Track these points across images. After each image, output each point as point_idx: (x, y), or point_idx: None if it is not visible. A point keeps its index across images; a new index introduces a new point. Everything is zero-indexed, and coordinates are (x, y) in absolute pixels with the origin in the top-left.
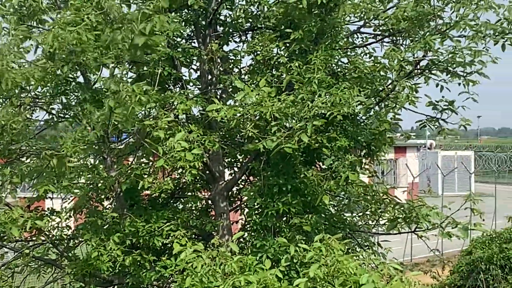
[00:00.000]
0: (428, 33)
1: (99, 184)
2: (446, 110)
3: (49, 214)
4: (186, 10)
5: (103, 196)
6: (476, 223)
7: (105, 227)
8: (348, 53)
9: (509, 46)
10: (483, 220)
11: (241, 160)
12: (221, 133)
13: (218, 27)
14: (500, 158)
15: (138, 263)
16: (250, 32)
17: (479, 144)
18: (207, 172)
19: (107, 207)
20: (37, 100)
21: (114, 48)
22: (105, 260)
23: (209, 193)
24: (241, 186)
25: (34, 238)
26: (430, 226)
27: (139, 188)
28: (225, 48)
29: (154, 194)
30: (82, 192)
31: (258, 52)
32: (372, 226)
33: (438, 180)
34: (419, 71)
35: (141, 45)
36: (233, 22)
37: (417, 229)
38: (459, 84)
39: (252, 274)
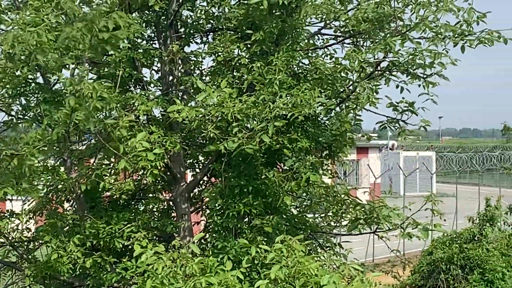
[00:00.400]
0: (388, 35)
1: (59, 186)
2: (406, 111)
3: (8, 216)
4: (146, 11)
5: (63, 198)
6: (436, 223)
7: (65, 229)
8: (309, 54)
9: (475, 49)
10: (444, 220)
11: (202, 161)
12: (182, 134)
13: (179, 28)
14: (461, 159)
15: (99, 265)
16: (211, 33)
17: (441, 145)
18: (168, 173)
19: (68, 209)
20: None
21: (74, 49)
22: (65, 262)
23: (170, 195)
24: (202, 187)
25: None
26: (391, 227)
27: (99, 189)
28: (186, 49)
29: (115, 196)
30: (42, 193)
31: (219, 53)
32: (334, 227)
33: (400, 180)
34: (379, 72)
35: (105, 39)
36: (194, 23)
37: (378, 230)
38: (419, 85)
39: (213, 276)
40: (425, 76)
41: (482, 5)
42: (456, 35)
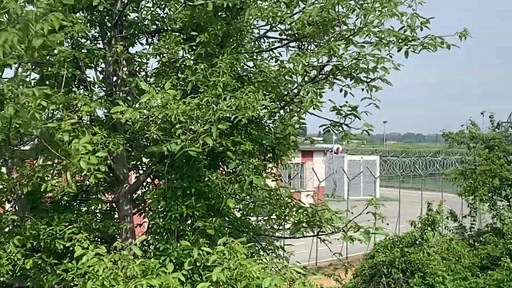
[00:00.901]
0: (332, 39)
1: (0, 187)
2: (350, 115)
3: None
4: (91, 11)
5: (4, 199)
6: (378, 227)
7: (5, 230)
8: (254, 57)
9: (419, 54)
10: (387, 224)
11: (146, 162)
12: (126, 135)
13: (124, 29)
14: (405, 163)
15: (39, 267)
16: (156, 34)
17: (385, 149)
18: (111, 174)
19: (8, 209)
20: None
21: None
22: (5, 263)
23: (112, 196)
24: (145, 189)
25: None
26: (333, 230)
27: (41, 190)
28: (131, 50)
29: (57, 197)
30: None
31: (164, 55)
32: (277, 230)
33: (344, 184)
34: (323, 76)
35: (38, 46)
36: (139, 24)
37: (320, 233)
38: (363, 89)
39: (155, 278)
40: (368, 80)
41: (425, 11)
42: (400, 40)
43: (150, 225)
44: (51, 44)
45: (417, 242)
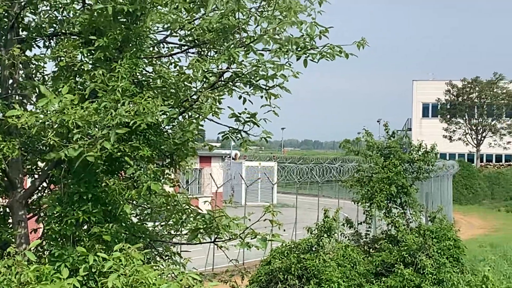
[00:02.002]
0: (232, 45)
1: None
2: (249, 122)
3: None
4: None
5: None
6: (275, 234)
7: None
8: (153, 62)
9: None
10: (284, 230)
11: (41, 167)
12: (21, 139)
13: (21, 31)
14: (302, 170)
15: None
16: (54, 37)
17: (283, 155)
18: (6, 179)
19: None
20: None
21: None
22: None
23: (6, 201)
24: (41, 193)
25: None
26: (230, 237)
27: None
28: (28, 53)
29: None
30: None
31: (62, 58)
32: (174, 236)
33: (242, 190)
34: (222, 82)
35: None
36: (37, 27)
37: (217, 240)
38: (262, 97)
39: (49, 284)
40: (267, 87)
41: (325, 21)
42: (299, 49)
43: (45, 231)
44: None
45: (313, 249)
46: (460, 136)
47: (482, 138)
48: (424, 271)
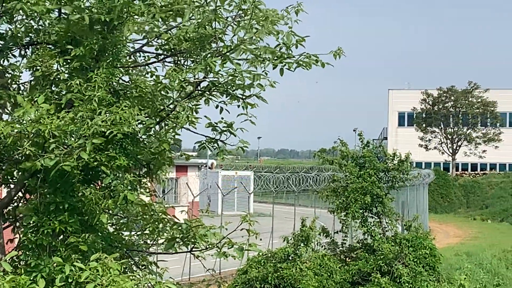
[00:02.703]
0: (209, 55)
1: None
2: (225, 132)
3: None
4: None
5: None
6: (252, 243)
7: None
8: (130, 71)
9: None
10: (260, 239)
11: (17, 176)
12: None
13: None
14: (278, 179)
15: None
16: (30, 46)
17: (259, 165)
18: None
19: None
20: None
21: None
22: None
23: None
24: (17, 203)
25: None
26: (207, 246)
27: None
28: (4, 62)
29: None
30: None
31: (38, 68)
32: (150, 245)
33: (218, 199)
34: (199, 92)
35: None
36: (13, 36)
37: (194, 249)
38: (238, 106)
39: None
40: (244, 97)
41: (300, 29)
42: (275, 58)
43: (21, 241)
44: None
45: (290, 258)
46: (436, 145)
47: (458, 147)
48: (400, 279)
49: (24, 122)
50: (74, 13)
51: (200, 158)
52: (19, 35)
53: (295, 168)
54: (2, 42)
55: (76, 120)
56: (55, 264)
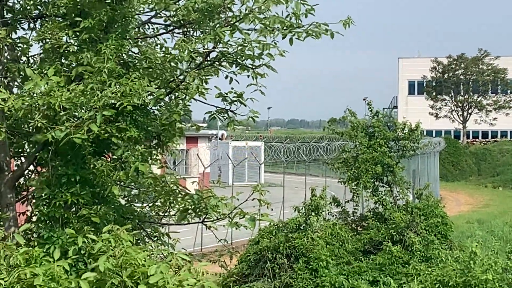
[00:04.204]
0: (218, 25)
1: None
2: (235, 102)
3: None
4: None
5: None
6: (263, 213)
7: None
8: (139, 43)
9: (308, 42)
10: (272, 210)
11: (29, 150)
12: (8, 122)
13: (5, 13)
14: (289, 149)
15: None
16: (39, 19)
17: (269, 135)
18: None
19: None
20: None
21: None
22: None
23: None
24: (29, 176)
25: None
26: (219, 217)
27: None
28: (14, 35)
29: None
30: None
31: (47, 40)
32: (162, 216)
33: (229, 170)
34: (209, 62)
35: None
36: (22, 9)
37: (206, 220)
38: (248, 76)
39: (39, 266)
40: (253, 67)
41: None
42: (285, 27)
43: (33, 214)
44: None
45: (301, 228)
46: (446, 113)
47: (468, 115)
48: (412, 248)
49: (35, 95)
50: None
51: (210, 129)
52: (28, 8)
53: (305, 138)
54: (11, 15)
55: (86, 92)
56: (67, 236)
